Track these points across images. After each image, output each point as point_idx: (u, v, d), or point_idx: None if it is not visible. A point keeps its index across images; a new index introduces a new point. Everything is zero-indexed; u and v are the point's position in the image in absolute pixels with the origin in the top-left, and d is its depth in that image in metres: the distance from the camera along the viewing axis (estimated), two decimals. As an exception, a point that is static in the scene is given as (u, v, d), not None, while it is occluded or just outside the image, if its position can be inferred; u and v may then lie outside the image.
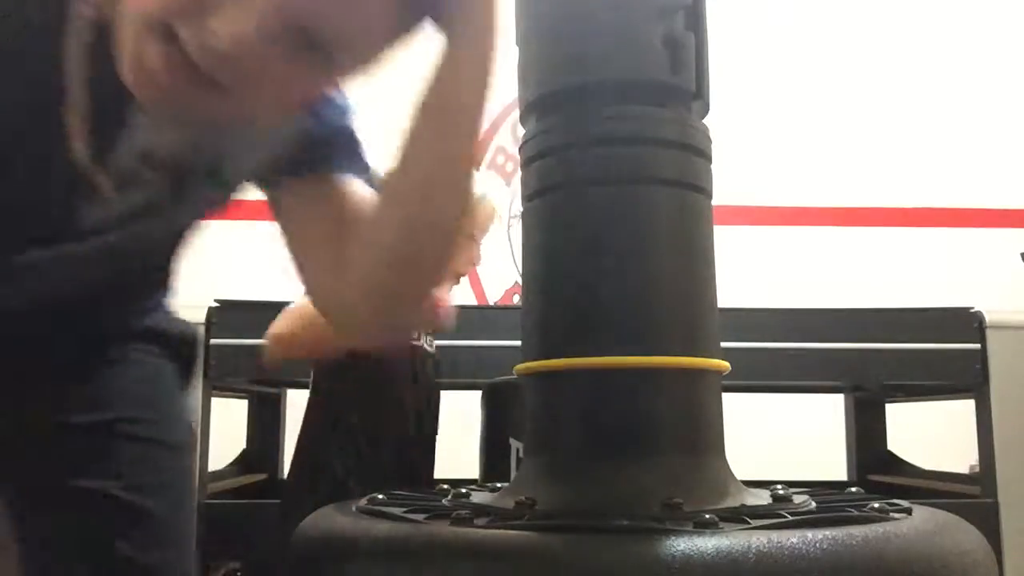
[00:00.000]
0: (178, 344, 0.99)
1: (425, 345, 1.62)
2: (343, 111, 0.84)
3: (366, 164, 0.84)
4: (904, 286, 3.21)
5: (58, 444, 0.86)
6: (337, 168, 0.82)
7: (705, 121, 0.84)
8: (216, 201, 0.86)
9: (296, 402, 2.28)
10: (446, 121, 0.73)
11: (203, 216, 0.88)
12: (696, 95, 0.82)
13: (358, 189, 0.81)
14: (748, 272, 2.88)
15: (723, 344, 0.81)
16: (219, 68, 0.62)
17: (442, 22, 0.71)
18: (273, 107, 0.69)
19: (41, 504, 0.85)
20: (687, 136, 0.80)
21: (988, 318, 2.01)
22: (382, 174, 0.77)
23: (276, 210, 0.84)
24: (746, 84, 3.21)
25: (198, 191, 0.81)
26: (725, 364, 0.80)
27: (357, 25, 0.64)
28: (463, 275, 1.71)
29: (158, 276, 0.95)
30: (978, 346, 1.99)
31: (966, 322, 2.01)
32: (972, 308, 2.03)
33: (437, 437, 1.70)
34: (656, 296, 0.77)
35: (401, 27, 0.69)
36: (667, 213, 0.78)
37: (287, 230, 0.83)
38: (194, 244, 0.93)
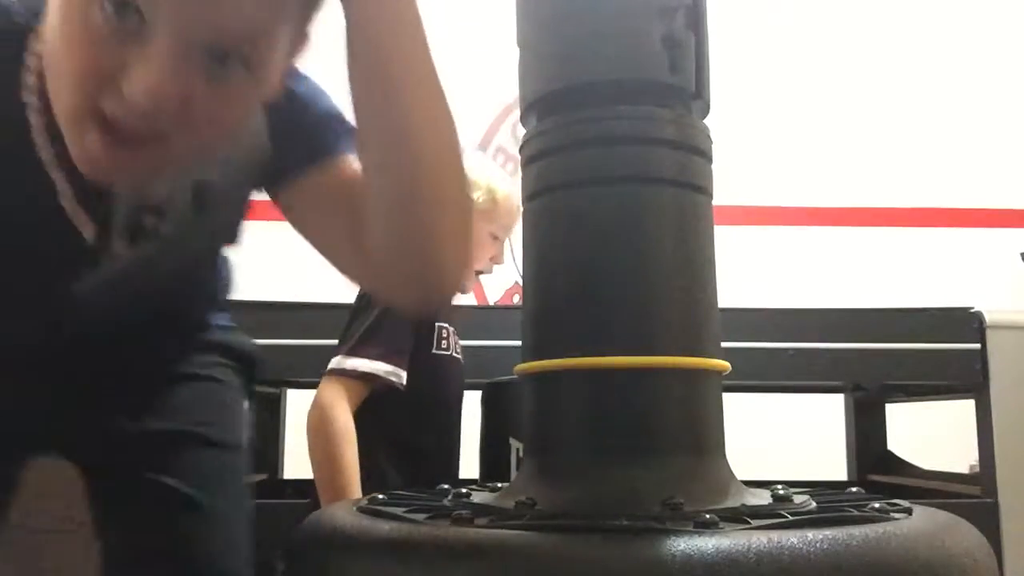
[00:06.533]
0: (240, 359, 1.07)
1: (454, 353, 1.63)
2: (313, 95, 0.84)
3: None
4: (904, 286, 3.22)
5: (138, 446, 0.95)
6: (329, 152, 0.82)
7: (706, 121, 0.84)
8: (230, 219, 0.89)
9: (296, 402, 2.28)
10: (384, 76, 0.71)
11: (224, 237, 0.93)
12: (696, 95, 0.82)
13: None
14: (748, 272, 2.88)
15: (723, 344, 0.81)
16: (151, 123, 0.63)
17: None
18: (222, 126, 0.70)
19: (122, 494, 0.94)
20: (687, 135, 0.80)
21: (988, 318, 2.00)
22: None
23: (291, 215, 0.85)
24: (747, 84, 3.21)
25: (200, 221, 0.83)
26: (725, 364, 0.80)
27: (252, 16, 0.64)
28: (484, 273, 1.72)
29: (198, 295, 1.02)
30: (978, 346, 1.98)
31: (966, 322, 2.01)
32: (972, 308, 2.03)
33: None
34: (656, 296, 0.77)
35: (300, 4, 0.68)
36: (667, 213, 0.78)
37: (307, 230, 0.84)
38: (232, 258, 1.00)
